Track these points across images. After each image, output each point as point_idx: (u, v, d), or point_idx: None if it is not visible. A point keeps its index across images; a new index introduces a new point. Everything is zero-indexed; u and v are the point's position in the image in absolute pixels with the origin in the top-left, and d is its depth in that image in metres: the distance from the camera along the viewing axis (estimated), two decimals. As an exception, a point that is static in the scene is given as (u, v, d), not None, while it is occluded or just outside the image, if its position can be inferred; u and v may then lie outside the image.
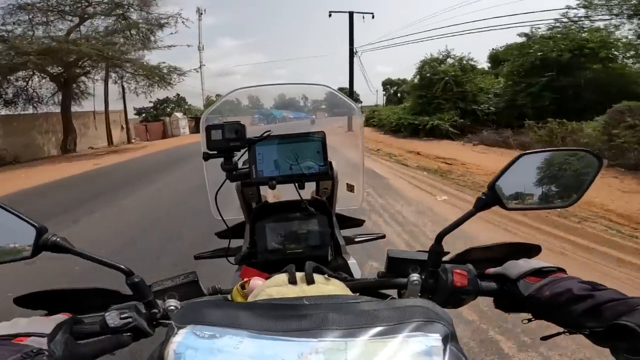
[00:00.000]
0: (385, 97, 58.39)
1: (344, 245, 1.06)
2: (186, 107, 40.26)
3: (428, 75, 18.36)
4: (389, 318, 0.40)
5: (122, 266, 0.61)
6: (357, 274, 1.02)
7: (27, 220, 0.58)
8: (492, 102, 16.57)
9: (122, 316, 0.59)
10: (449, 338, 0.39)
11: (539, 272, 0.61)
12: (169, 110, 38.02)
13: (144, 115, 39.31)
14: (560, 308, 0.54)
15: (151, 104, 40.00)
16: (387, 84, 60.63)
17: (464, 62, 18.57)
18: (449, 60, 18.89)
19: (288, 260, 0.94)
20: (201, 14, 39.83)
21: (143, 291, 0.63)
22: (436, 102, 17.38)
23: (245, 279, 0.72)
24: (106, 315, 0.59)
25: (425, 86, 18.50)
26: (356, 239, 1.24)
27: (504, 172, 0.62)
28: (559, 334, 0.56)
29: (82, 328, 0.59)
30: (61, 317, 0.59)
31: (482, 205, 0.64)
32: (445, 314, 0.42)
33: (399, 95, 54.77)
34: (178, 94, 40.09)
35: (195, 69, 21.50)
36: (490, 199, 0.63)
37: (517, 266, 0.64)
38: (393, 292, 0.78)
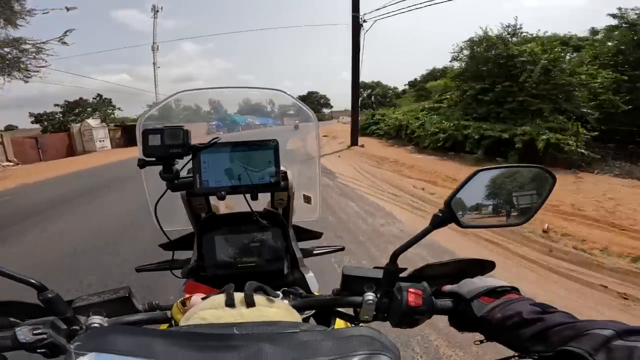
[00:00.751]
0: (360, 102, 58.24)
1: (301, 258, 1.01)
2: (110, 111, 31.14)
3: (490, 57, 11.80)
4: (331, 350, 0.37)
5: (33, 280, 0.56)
6: (314, 288, 0.98)
7: None
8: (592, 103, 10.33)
9: (35, 332, 0.56)
10: None
11: (493, 292, 0.61)
12: (83, 116, 28.14)
13: (45, 124, 29.66)
14: (510, 331, 0.54)
15: (59, 108, 30.01)
16: (361, 87, 58.70)
17: (555, 43, 11.48)
18: (513, 39, 12.42)
19: (240, 274, 0.88)
20: (157, 11, 36.19)
21: (58, 307, 0.59)
22: (513, 101, 10.85)
23: (187, 295, 0.66)
24: (17, 330, 0.56)
25: (480, 76, 12.15)
26: (314, 252, 1.19)
27: (460, 188, 0.61)
28: (508, 358, 0.55)
29: None
30: None
31: (438, 222, 0.62)
32: (392, 344, 0.39)
33: (373, 98, 55.66)
34: (100, 95, 30.57)
35: (59, 39, 14.26)
36: (447, 215, 0.61)
37: (472, 285, 0.64)
38: (349, 311, 0.76)
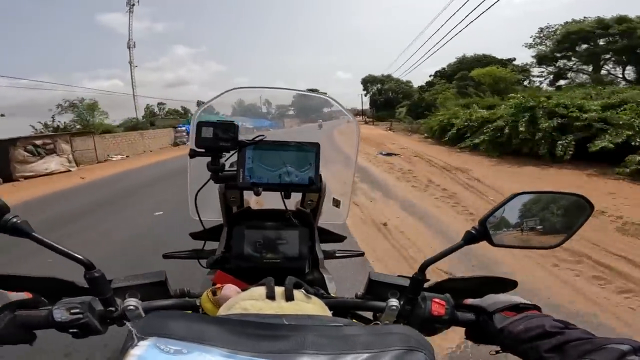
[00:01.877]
0: (369, 98, 52.80)
1: (322, 259, 1.04)
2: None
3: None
4: (371, 344, 0.39)
5: (82, 258, 0.57)
6: (332, 290, 1.00)
7: None
8: None
9: (71, 311, 0.57)
10: None
11: (515, 308, 0.62)
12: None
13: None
14: (529, 343, 0.55)
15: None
16: (368, 81, 53.32)
17: None
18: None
19: (263, 269, 0.91)
20: (132, 5, 33.96)
21: (101, 287, 0.59)
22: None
23: (218, 285, 0.68)
24: (54, 308, 0.57)
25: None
26: (336, 254, 1.22)
27: (497, 209, 0.63)
28: None
29: (28, 315, 0.57)
30: (19, 295, 0.58)
31: (470, 238, 0.64)
32: (427, 342, 0.41)
33: (383, 93, 48.92)
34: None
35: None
36: (480, 233, 0.63)
37: (495, 300, 0.65)
38: (368, 315, 0.77)
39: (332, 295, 0.96)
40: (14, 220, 0.53)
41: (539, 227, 0.66)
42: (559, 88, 18.85)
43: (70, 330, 0.57)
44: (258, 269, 0.91)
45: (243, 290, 0.61)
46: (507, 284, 0.75)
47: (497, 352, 0.63)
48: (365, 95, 54.93)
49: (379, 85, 53.82)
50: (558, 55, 22.90)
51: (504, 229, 0.64)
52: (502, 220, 0.63)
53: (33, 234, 0.54)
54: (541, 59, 23.45)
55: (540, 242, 0.67)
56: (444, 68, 37.45)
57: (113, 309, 0.60)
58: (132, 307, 0.61)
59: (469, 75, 25.72)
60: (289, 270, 0.96)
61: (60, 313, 0.56)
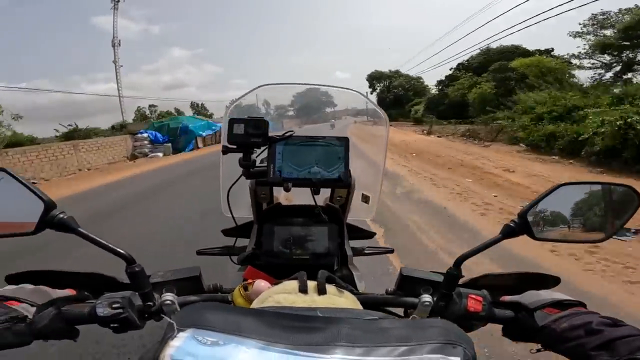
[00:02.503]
0: (376, 96, 48.30)
1: (351, 256, 1.03)
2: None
3: None
4: (408, 337, 0.38)
5: (124, 253, 0.59)
6: (361, 288, 0.99)
7: (37, 193, 0.56)
8: None
9: (113, 305, 0.58)
10: None
11: (559, 305, 0.60)
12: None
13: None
14: (574, 340, 0.53)
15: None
16: (375, 78, 49.53)
17: None
18: None
19: (293, 265, 0.92)
20: (117, 1, 31.80)
21: (141, 282, 0.61)
22: None
23: (249, 281, 0.69)
24: (97, 303, 0.58)
25: None
26: (365, 251, 1.21)
27: (539, 201, 0.60)
28: None
29: (71, 310, 0.58)
30: (63, 292, 0.60)
31: (509, 232, 0.61)
32: (467, 336, 0.40)
33: (392, 90, 45.24)
34: None
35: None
36: (519, 227, 0.61)
37: (537, 297, 0.63)
38: (399, 311, 0.76)
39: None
40: (61, 216, 0.56)
41: (583, 219, 0.62)
42: (628, 82, 15.01)
43: (112, 325, 0.59)
44: (288, 266, 0.92)
45: (274, 285, 0.61)
46: (549, 281, 0.72)
47: (538, 350, 0.60)
48: (372, 93, 50.60)
49: (386, 82, 50.00)
50: (626, 43, 18.40)
51: (546, 222, 0.61)
52: (544, 213, 0.60)
53: (78, 229, 0.56)
54: (605, 48, 19.31)
55: (584, 236, 0.64)
56: (466, 61, 33.27)
57: (151, 303, 0.62)
58: (169, 301, 0.62)
59: (509, 67, 22.21)
60: (318, 267, 0.96)
61: (102, 308, 0.57)
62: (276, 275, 0.80)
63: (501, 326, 0.66)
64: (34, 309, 0.54)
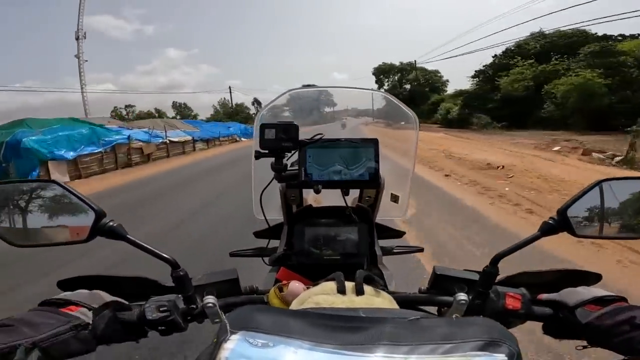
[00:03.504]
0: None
1: (380, 255, 1.03)
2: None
3: None
4: (451, 335, 0.38)
5: (170, 258, 0.61)
6: (391, 286, 0.99)
7: (88, 203, 0.59)
8: None
9: (161, 309, 0.60)
10: (515, 359, 0.36)
11: (600, 301, 0.59)
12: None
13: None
14: (620, 336, 0.52)
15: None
16: (383, 71, 43.35)
17: None
18: None
19: (323, 265, 0.93)
20: None
21: (185, 285, 0.63)
22: None
23: (284, 282, 0.71)
24: (146, 306, 0.60)
25: None
26: (394, 250, 1.21)
27: (579, 197, 0.59)
28: None
29: (121, 313, 0.60)
30: (112, 296, 0.62)
31: (548, 229, 0.60)
32: (511, 334, 0.40)
33: (404, 86, 40.08)
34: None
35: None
36: (559, 224, 0.59)
37: (576, 294, 0.62)
38: (432, 310, 0.76)
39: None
40: (111, 224, 0.59)
41: (625, 215, 0.61)
42: None
43: (159, 328, 0.61)
44: (319, 266, 0.93)
45: (307, 286, 0.63)
46: (588, 277, 0.71)
47: (584, 347, 0.60)
48: (378, 89, 46.80)
49: (397, 76, 43.57)
50: None
51: (586, 218, 0.60)
52: (585, 209, 0.59)
53: (127, 236, 0.59)
54: None
55: (627, 232, 0.62)
56: (514, 47, 26.84)
57: (194, 306, 0.64)
58: (210, 304, 0.64)
59: (616, 50, 17.11)
60: (348, 266, 0.98)
61: (151, 311, 0.59)
62: (307, 276, 0.82)
63: (540, 324, 0.65)
64: (90, 313, 0.56)
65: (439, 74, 41.84)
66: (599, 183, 0.58)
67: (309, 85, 1.35)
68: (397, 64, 44.54)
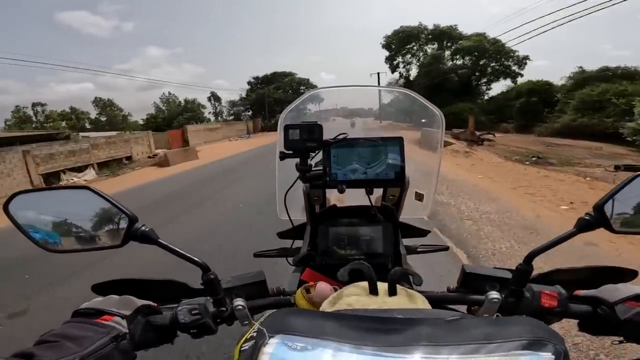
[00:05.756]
0: (402, 80, 31.86)
1: (405, 255, 1.02)
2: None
3: None
4: (493, 335, 0.38)
5: (200, 261, 0.62)
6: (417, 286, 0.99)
7: (121, 208, 0.60)
8: None
9: (193, 312, 0.61)
10: (562, 358, 0.35)
11: (639, 298, 0.58)
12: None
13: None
14: None
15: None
16: (401, 41, 30.18)
17: None
18: None
19: None
20: None
21: (216, 288, 0.64)
22: None
23: (310, 283, 0.71)
24: (178, 310, 0.61)
25: None
26: (418, 249, 1.19)
27: (616, 192, 0.57)
28: None
29: (154, 318, 0.61)
30: (143, 300, 0.63)
31: (585, 225, 0.59)
32: (555, 332, 0.39)
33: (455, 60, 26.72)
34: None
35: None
36: (596, 220, 0.58)
37: (616, 290, 0.61)
38: (461, 309, 0.75)
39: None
40: (143, 228, 0.60)
41: None
42: None
43: (191, 331, 0.62)
44: (343, 266, 0.93)
45: (334, 287, 0.62)
46: (625, 274, 0.69)
47: (620, 342, 0.59)
48: (394, 72, 31.61)
49: (423, 48, 29.57)
50: None
51: (624, 213, 0.58)
52: (622, 204, 0.57)
53: (159, 240, 0.60)
54: None
55: None
56: None
57: (224, 309, 0.64)
58: (240, 306, 0.65)
59: None
60: (373, 266, 0.97)
61: (183, 314, 0.60)
62: (332, 276, 0.82)
63: (576, 321, 0.65)
64: (124, 321, 0.56)
65: (509, 47, 26.20)
66: (635, 177, 0.57)
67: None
68: (423, 26, 29.87)
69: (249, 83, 48.92)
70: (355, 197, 0.96)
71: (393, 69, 34.13)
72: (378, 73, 34.75)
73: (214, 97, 49.20)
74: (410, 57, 33.00)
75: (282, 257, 1.12)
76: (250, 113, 47.22)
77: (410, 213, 1.13)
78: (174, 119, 39.01)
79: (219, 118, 47.44)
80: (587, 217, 0.58)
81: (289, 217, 0.98)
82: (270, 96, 44.38)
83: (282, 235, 1.17)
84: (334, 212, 1.03)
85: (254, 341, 0.40)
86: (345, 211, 1.02)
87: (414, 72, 32.61)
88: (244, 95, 48.33)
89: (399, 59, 33.50)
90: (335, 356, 0.37)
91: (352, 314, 0.46)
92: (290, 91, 45.99)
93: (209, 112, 49.12)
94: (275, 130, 0.94)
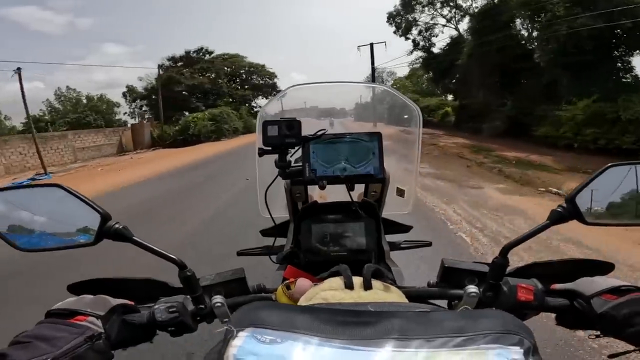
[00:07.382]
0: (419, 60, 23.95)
1: (388, 251, 1.03)
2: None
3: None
4: (463, 328, 0.37)
5: (177, 258, 0.62)
6: (399, 281, 0.99)
7: (93, 206, 0.59)
8: None
9: (170, 310, 0.60)
10: (531, 351, 0.35)
11: (616, 291, 0.58)
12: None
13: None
14: (635, 326, 0.52)
15: None
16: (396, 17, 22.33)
17: None
18: None
19: (331, 262, 0.92)
20: None
21: (193, 286, 0.63)
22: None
23: (291, 279, 0.71)
24: (155, 308, 0.61)
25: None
26: (402, 245, 1.20)
27: (588, 184, 0.58)
28: (629, 352, 0.54)
29: (131, 317, 0.60)
30: (119, 300, 0.62)
31: (557, 217, 0.59)
32: (525, 325, 0.39)
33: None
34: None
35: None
36: (569, 212, 0.59)
37: (592, 283, 0.62)
38: (442, 303, 0.75)
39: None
40: (117, 226, 0.59)
41: (635, 201, 0.60)
42: None
43: (169, 329, 0.61)
44: (326, 263, 0.93)
45: (314, 283, 0.62)
46: (602, 267, 0.70)
47: (596, 336, 0.60)
48: (408, 39, 22.79)
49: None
50: None
51: (596, 205, 0.59)
52: (593, 196, 0.58)
53: (133, 237, 0.59)
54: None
55: (637, 218, 0.61)
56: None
57: (203, 306, 0.64)
58: (219, 304, 0.65)
59: None
60: (355, 262, 0.97)
61: (160, 313, 0.60)
62: (315, 273, 0.81)
63: (553, 315, 0.65)
64: (99, 321, 0.55)
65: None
66: (606, 168, 0.57)
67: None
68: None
69: (160, 66, 31.10)
70: (337, 194, 0.96)
71: (404, 31, 22.59)
72: (371, 44, 27.04)
73: (130, 93, 36.31)
74: (434, 13, 20.96)
75: (266, 255, 1.11)
76: (147, 109, 34.65)
77: (392, 209, 1.13)
78: (72, 122, 29.53)
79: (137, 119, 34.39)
80: (559, 210, 0.59)
81: (270, 214, 0.97)
82: (182, 82, 31.15)
83: (265, 232, 1.16)
84: (315, 209, 1.03)
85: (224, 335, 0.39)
86: (327, 207, 1.02)
87: (441, 39, 23.70)
88: (153, 82, 31.86)
89: (417, 13, 21.06)
90: (305, 349, 0.36)
91: (326, 307, 0.46)
92: (228, 80, 35.61)
93: (124, 113, 37.99)
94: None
